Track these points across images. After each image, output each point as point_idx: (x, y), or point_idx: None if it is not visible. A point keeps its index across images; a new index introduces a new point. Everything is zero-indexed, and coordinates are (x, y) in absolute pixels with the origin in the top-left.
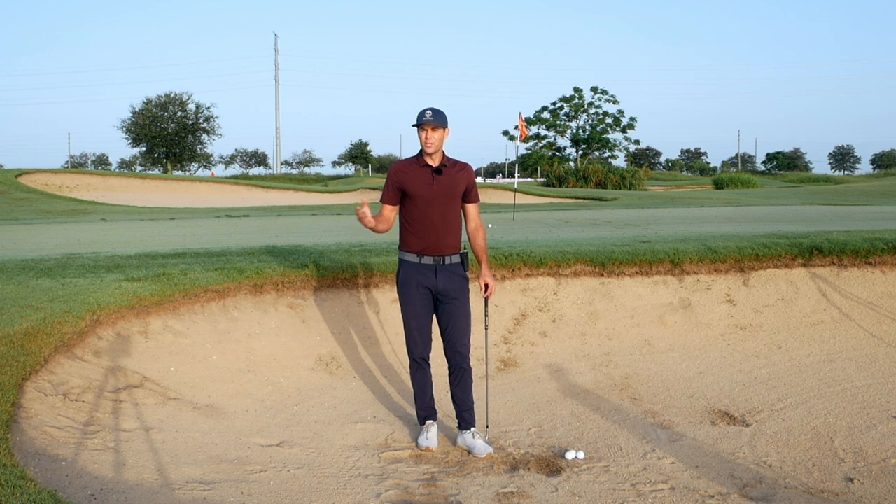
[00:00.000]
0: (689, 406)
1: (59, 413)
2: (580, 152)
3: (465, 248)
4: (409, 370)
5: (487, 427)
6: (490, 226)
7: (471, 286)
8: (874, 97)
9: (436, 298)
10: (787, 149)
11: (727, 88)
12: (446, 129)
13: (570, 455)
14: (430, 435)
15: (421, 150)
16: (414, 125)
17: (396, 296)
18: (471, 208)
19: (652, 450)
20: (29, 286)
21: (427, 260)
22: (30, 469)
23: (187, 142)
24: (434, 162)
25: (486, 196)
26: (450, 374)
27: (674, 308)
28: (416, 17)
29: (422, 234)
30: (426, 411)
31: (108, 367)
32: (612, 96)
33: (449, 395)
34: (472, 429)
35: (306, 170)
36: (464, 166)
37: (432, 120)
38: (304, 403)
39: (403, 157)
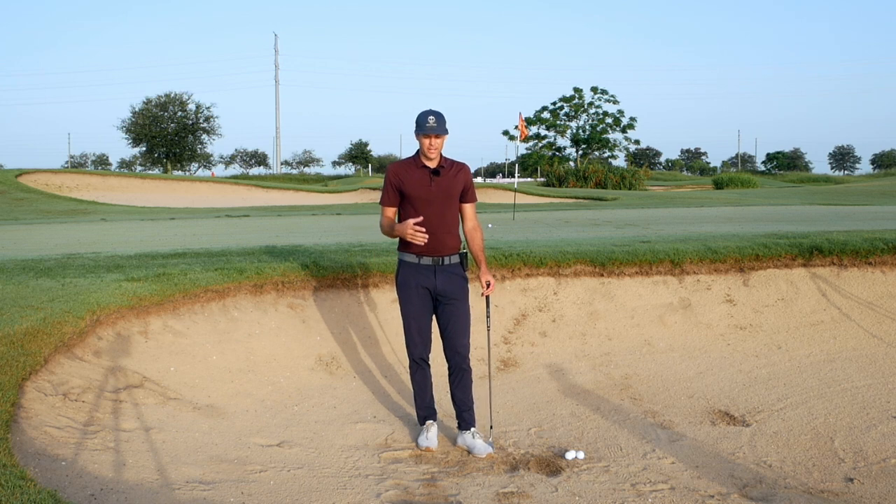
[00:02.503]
0: (689, 406)
1: (59, 413)
2: (580, 152)
3: (464, 249)
4: (408, 370)
5: (491, 427)
6: (490, 226)
7: (471, 286)
8: (874, 97)
9: (435, 299)
10: (787, 149)
11: (727, 88)
12: (447, 133)
13: (570, 455)
14: (430, 435)
15: (418, 151)
16: (417, 132)
17: (396, 296)
18: (467, 208)
19: (652, 450)
20: (29, 286)
21: (426, 261)
22: (30, 469)
23: (187, 142)
24: (432, 164)
25: (486, 196)
26: (449, 375)
27: (674, 308)
28: (416, 17)
29: None
30: (426, 411)
31: (108, 367)
32: (612, 96)
33: (449, 395)
34: (473, 429)
35: (306, 170)
36: (461, 167)
37: (436, 128)
38: (304, 403)
39: (402, 158)
